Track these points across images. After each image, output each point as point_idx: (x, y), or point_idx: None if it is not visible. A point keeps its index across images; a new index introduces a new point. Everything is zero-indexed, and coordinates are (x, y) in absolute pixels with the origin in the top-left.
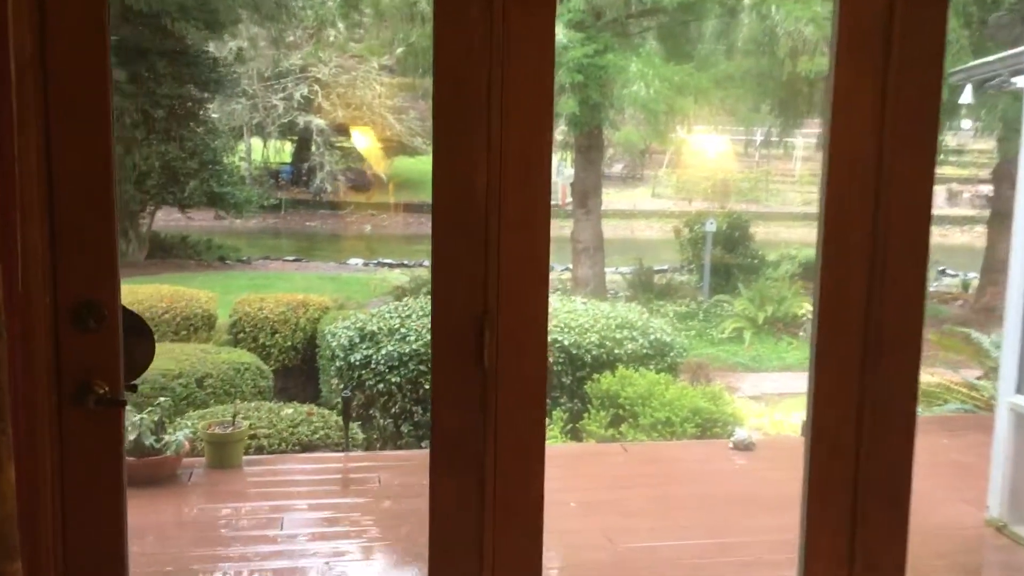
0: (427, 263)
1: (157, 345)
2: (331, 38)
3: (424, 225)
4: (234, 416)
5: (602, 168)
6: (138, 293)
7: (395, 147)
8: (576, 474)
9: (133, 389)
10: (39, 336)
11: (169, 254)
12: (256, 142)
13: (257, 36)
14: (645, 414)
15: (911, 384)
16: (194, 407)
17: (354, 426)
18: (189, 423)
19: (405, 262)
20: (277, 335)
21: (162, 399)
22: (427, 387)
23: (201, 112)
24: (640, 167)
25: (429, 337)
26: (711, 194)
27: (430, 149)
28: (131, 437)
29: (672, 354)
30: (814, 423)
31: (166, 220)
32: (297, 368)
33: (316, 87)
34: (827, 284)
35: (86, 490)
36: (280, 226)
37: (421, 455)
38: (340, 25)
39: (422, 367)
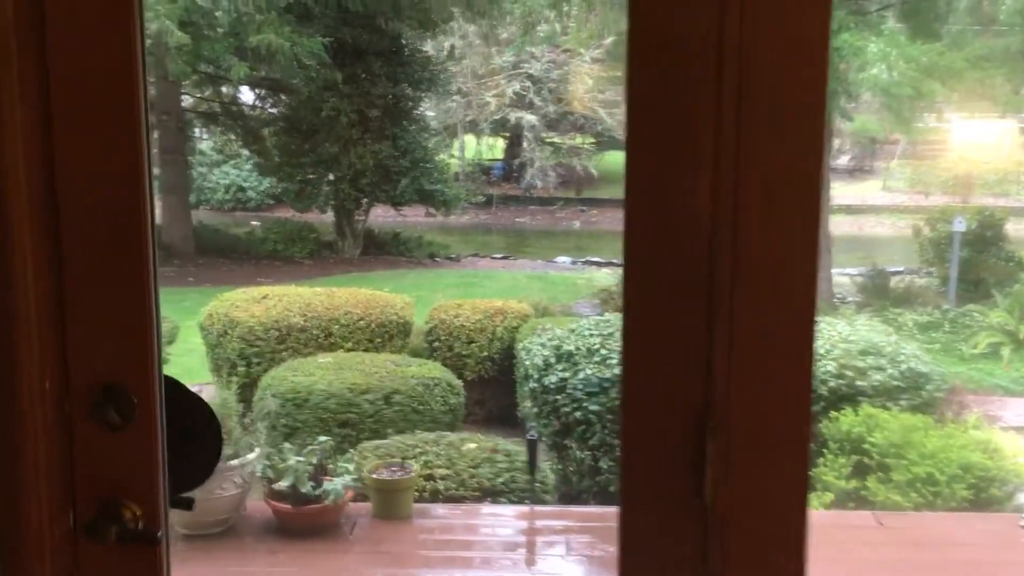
0: None
1: (350, 355)
2: (541, 32)
3: None
4: (403, 460)
5: (828, 160)
6: (335, 297)
7: (606, 142)
8: (815, 557)
9: (186, 505)
10: (37, 436)
11: (382, 250)
12: (469, 139)
13: (469, 33)
14: (900, 468)
15: None
16: (380, 425)
17: (544, 466)
18: (351, 466)
19: (614, 261)
20: (473, 344)
21: (322, 439)
22: None
23: (415, 111)
24: (870, 158)
25: None
26: (953, 187)
27: None
28: (287, 483)
29: (929, 387)
30: None
31: (382, 216)
32: (493, 380)
33: (528, 83)
34: None
35: None
36: (490, 222)
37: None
38: (550, 16)
39: None
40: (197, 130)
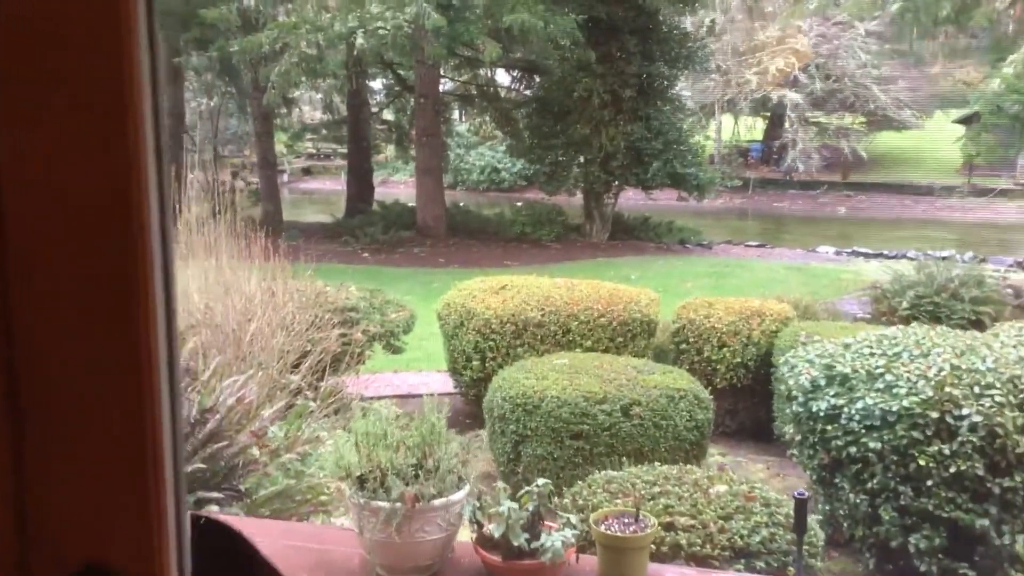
0: (911, 254)
1: (587, 356)
2: (811, 5)
3: (910, 208)
4: (637, 510)
5: None
6: (576, 290)
7: (879, 121)
8: None
9: None
10: None
11: (630, 235)
12: (726, 119)
13: (732, 7)
14: None
15: None
16: (617, 440)
17: (812, 520)
18: (574, 517)
19: (884, 252)
20: (725, 349)
21: (541, 481)
22: (920, 462)
23: (670, 90)
24: None
25: (928, 391)
26: None
27: (920, 123)
28: (498, 532)
29: None
30: None
31: (632, 200)
32: (746, 390)
33: (793, 59)
34: None
35: None
36: (746, 207)
37: None
38: None
39: (915, 433)
40: (456, 112)
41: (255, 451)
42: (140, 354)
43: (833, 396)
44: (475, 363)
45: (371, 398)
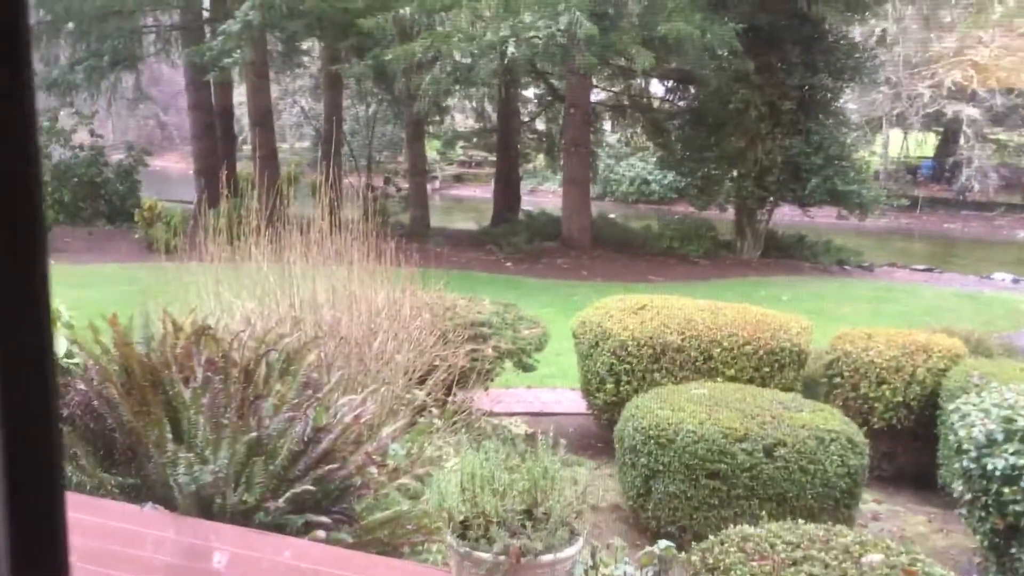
0: None
1: (730, 387)
2: (995, 15)
3: None
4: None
5: None
6: (720, 315)
7: None
8: None
9: None
10: None
11: (784, 254)
12: (894, 134)
13: (906, 16)
14: None
15: None
16: (758, 483)
17: None
18: None
19: None
20: (884, 386)
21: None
22: None
23: (833, 103)
24: None
25: None
26: None
27: None
28: None
29: None
30: None
31: (788, 216)
32: (908, 432)
33: (971, 72)
34: None
35: None
36: (913, 227)
37: None
38: None
39: None
40: (607, 123)
41: (373, 470)
42: None
43: (1013, 454)
44: (609, 386)
45: (501, 414)
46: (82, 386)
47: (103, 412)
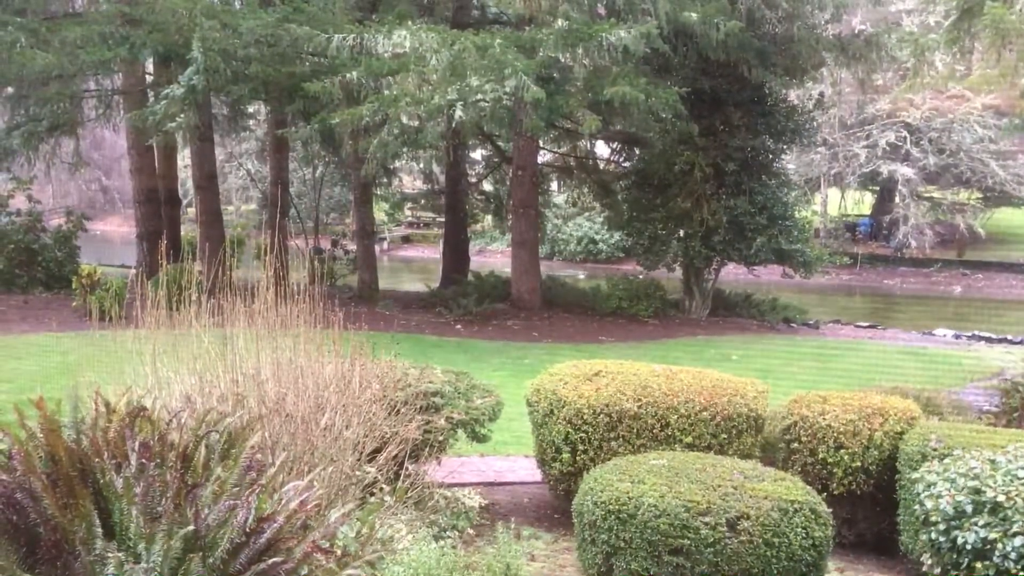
0: None
1: (689, 456)
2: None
3: None
4: None
5: None
6: (676, 380)
7: (997, 197)
8: None
9: None
10: None
11: (732, 312)
12: (832, 193)
13: (841, 80)
14: None
15: None
16: (722, 559)
17: None
18: None
19: (1009, 337)
20: (842, 451)
21: None
22: None
23: (775, 164)
24: None
25: None
26: None
27: None
28: None
29: None
30: None
31: (733, 275)
32: (868, 497)
33: (904, 132)
34: None
35: None
36: (854, 284)
37: None
38: (941, 59)
39: None
40: (554, 184)
41: (320, 558)
42: None
43: (983, 527)
44: (565, 455)
45: (454, 485)
46: (4, 476)
47: (26, 505)
